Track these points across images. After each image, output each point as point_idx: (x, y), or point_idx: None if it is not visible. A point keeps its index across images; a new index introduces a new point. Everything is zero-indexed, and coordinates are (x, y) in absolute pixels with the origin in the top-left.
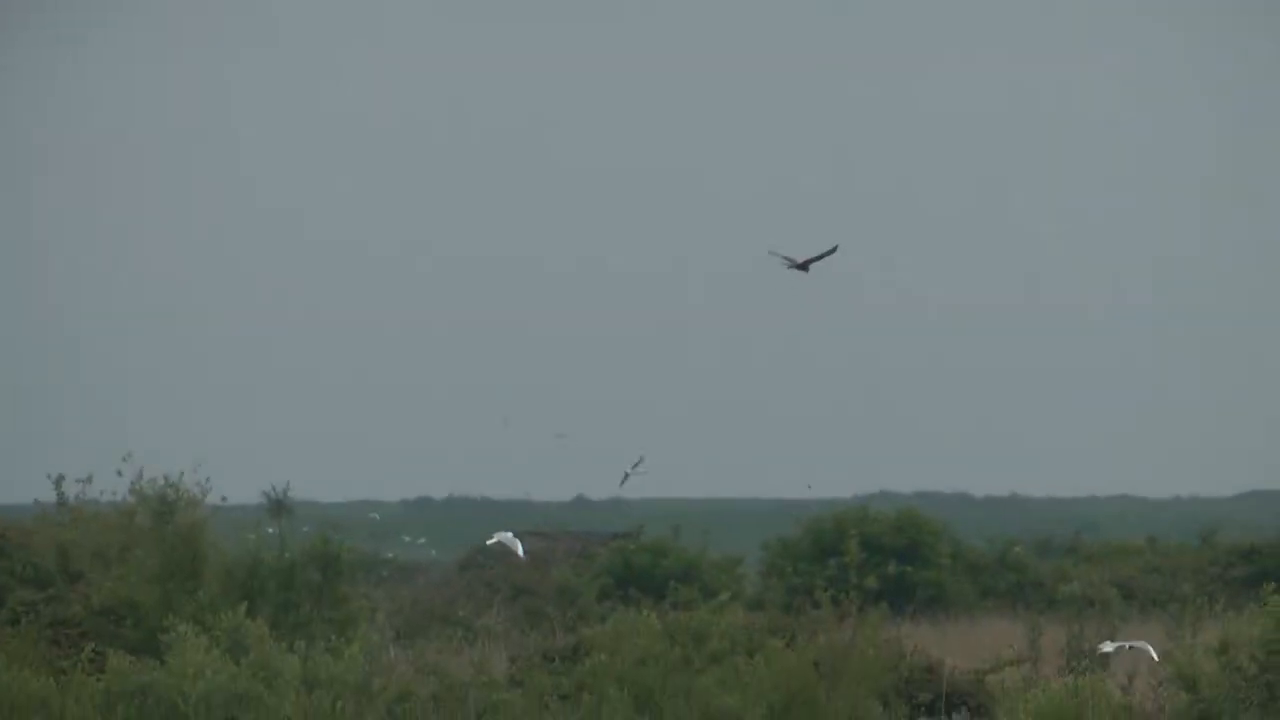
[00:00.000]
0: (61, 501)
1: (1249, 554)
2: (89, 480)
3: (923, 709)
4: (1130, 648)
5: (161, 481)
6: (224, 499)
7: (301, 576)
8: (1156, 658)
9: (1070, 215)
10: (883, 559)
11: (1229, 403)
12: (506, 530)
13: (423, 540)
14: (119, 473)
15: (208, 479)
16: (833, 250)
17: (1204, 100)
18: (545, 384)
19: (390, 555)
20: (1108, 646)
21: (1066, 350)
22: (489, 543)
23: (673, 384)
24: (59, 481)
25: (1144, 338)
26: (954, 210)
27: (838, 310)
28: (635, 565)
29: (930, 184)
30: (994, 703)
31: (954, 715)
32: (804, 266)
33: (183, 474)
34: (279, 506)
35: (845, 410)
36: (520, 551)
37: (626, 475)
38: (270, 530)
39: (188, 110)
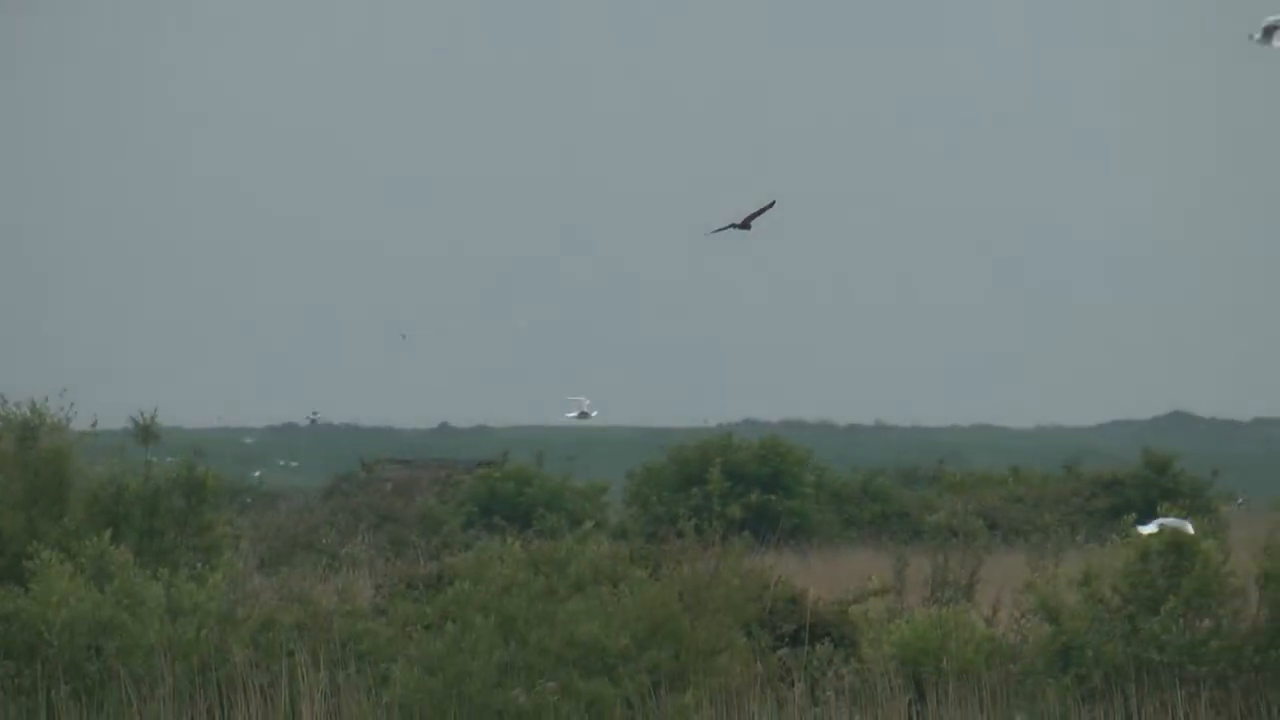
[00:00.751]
0: None
1: (1111, 484)
2: None
3: (786, 639)
4: (1172, 522)
5: (26, 407)
6: (94, 424)
7: (166, 503)
8: (1191, 530)
9: (934, 143)
10: (746, 488)
11: (1091, 334)
12: (582, 398)
13: (295, 464)
14: None
15: (72, 404)
16: (770, 205)
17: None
18: (408, 309)
19: (256, 474)
20: (1150, 526)
21: (930, 281)
22: (570, 415)
23: (536, 310)
24: None
25: (1006, 269)
26: (825, 151)
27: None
28: (500, 493)
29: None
30: (858, 633)
31: (817, 646)
32: (745, 225)
33: (47, 399)
34: (145, 432)
35: (710, 339)
36: (578, 411)
37: (581, 414)
38: (151, 458)
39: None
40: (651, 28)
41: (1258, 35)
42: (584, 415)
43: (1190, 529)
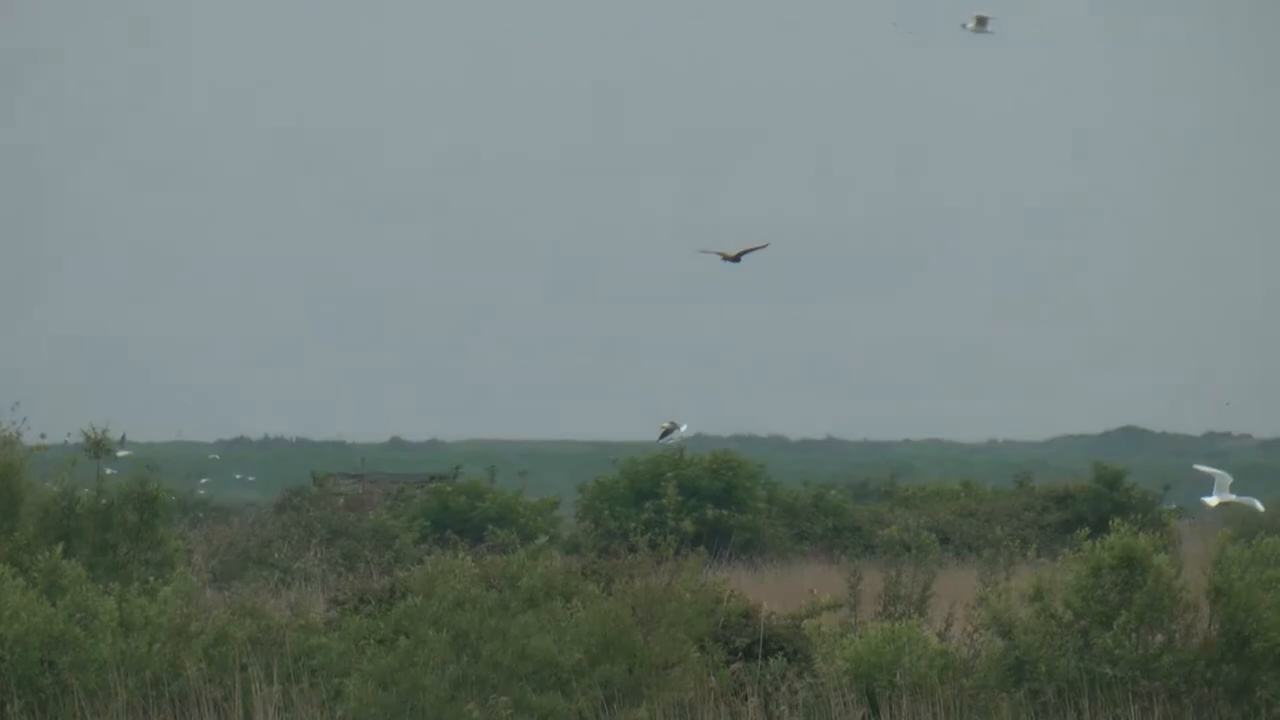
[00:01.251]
0: None
1: (1063, 499)
2: None
3: (740, 654)
4: (1241, 500)
5: None
6: (43, 436)
7: (118, 517)
8: (1261, 508)
9: (879, 152)
10: (699, 502)
11: (1041, 348)
12: (682, 426)
13: (252, 478)
14: None
15: (24, 418)
16: (764, 245)
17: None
18: (362, 327)
19: (202, 480)
20: (1213, 500)
21: (879, 296)
22: (666, 439)
23: (487, 325)
24: None
25: (956, 284)
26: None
27: (652, 249)
28: (452, 508)
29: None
30: (811, 648)
31: (771, 660)
32: (736, 258)
33: None
34: (97, 447)
35: (663, 352)
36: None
37: (666, 432)
38: (110, 471)
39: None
40: (672, 38)
41: (970, 24)
42: (672, 429)
43: (1259, 506)
